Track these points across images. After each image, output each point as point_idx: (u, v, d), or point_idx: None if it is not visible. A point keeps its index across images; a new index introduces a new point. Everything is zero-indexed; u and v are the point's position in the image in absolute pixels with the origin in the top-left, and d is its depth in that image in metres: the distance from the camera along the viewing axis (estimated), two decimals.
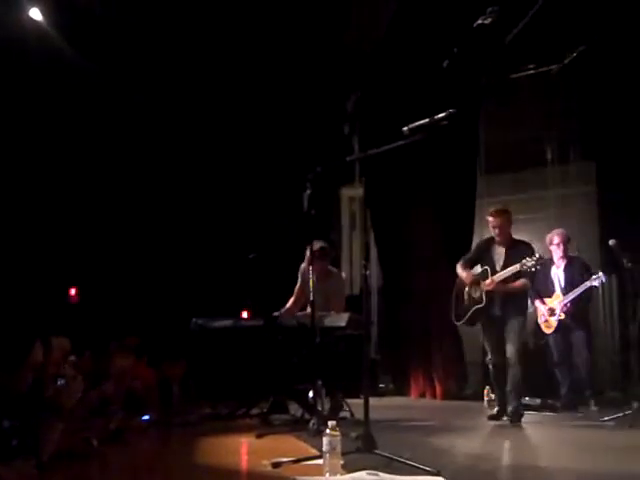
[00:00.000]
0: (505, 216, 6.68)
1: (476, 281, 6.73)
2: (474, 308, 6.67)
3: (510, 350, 6.38)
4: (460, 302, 6.87)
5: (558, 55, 9.42)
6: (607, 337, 9.12)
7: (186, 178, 9.97)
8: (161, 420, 6.24)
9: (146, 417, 6.06)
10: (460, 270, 6.85)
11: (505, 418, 6.49)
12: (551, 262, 7.82)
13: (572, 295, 7.54)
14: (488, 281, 6.54)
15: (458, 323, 6.97)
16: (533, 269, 6.22)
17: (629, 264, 6.51)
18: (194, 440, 5.35)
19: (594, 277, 7.44)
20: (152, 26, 8.88)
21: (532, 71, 9.60)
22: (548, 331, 7.73)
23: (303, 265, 6.89)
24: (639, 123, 8.40)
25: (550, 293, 7.75)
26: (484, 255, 6.78)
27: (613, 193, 8.88)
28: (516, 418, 6.35)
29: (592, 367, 7.71)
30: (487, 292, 6.53)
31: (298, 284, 7.07)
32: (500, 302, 6.56)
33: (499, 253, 6.68)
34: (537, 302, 7.77)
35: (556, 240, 7.78)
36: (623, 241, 6.65)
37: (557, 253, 7.79)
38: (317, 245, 6.58)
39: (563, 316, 7.59)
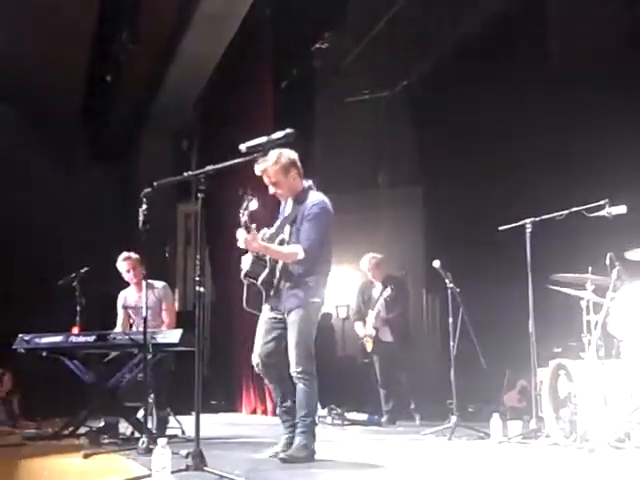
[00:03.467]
0: (274, 162, 4.92)
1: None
2: (247, 284, 4.99)
3: (296, 358, 4.81)
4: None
5: (390, 83, 9.87)
6: (430, 353, 9.57)
7: None
8: None
9: None
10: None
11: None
12: (371, 283, 8.14)
13: (377, 311, 7.87)
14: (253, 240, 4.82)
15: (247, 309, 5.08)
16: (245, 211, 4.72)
17: (451, 284, 6.84)
18: (14, 463, 5.08)
19: (384, 291, 7.75)
20: None
21: (366, 97, 10.00)
22: (369, 349, 7.99)
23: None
24: (462, 151, 8.94)
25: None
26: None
27: (438, 216, 9.37)
28: (310, 453, 4.77)
29: (415, 382, 8.07)
30: (255, 260, 4.97)
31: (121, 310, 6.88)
32: (278, 282, 4.94)
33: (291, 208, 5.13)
34: (357, 324, 8.08)
35: (366, 266, 8.05)
36: (446, 262, 6.97)
37: (369, 275, 8.11)
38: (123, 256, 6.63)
39: (374, 332, 7.87)
